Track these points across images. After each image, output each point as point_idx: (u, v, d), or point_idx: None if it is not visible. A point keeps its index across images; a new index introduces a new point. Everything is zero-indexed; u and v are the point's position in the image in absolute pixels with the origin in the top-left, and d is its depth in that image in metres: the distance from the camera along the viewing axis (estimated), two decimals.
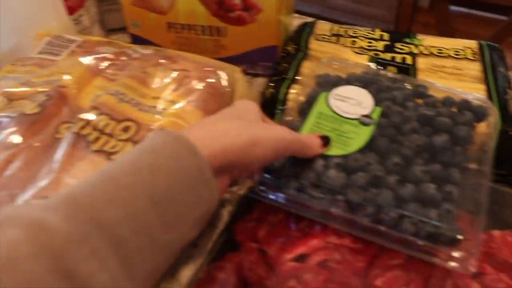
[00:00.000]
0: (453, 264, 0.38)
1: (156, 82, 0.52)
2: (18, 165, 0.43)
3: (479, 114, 0.48)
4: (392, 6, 1.79)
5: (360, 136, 0.45)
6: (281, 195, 0.42)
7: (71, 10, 0.63)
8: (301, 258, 0.41)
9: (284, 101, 0.59)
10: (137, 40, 0.70)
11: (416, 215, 0.39)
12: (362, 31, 0.70)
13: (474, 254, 0.38)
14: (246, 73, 0.63)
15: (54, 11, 0.61)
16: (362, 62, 0.62)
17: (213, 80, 0.52)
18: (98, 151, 0.44)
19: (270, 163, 0.42)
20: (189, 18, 0.65)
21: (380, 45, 0.66)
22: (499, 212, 0.52)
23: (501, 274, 0.46)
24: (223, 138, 0.36)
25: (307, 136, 0.44)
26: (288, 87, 0.60)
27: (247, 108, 0.42)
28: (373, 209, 0.40)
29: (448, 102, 0.49)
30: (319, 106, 0.48)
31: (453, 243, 0.38)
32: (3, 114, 0.47)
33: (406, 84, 0.51)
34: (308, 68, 0.62)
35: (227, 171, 0.37)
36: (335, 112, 0.47)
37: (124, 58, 0.54)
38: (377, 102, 0.48)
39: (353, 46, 0.66)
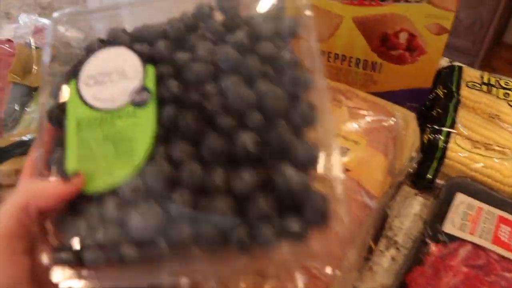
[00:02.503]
0: None
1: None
2: None
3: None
4: (477, 39, 1.75)
5: (143, 128, 0.29)
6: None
7: None
8: None
9: (444, 150, 0.57)
10: None
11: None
12: None
13: None
14: None
15: None
16: None
17: (390, 123, 0.51)
18: None
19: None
20: (346, 50, 0.64)
21: None
22: None
23: None
24: None
25: (32, 182, 0.30)
26: (448, 136, 0.58)
27: None
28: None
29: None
30: (72, 109, 0.31)
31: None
32: None
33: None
34: (464, 118, 0.61)
35: None
36: (96, 109, 0.31)
37: None
38: (145, 58, 0.32)
39: (506, 98, 0.65)
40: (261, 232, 0.27)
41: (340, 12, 0.60)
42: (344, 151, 0.47)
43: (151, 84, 0.30)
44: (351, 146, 0.48)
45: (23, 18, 0.69)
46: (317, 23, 0.63)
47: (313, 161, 0.29)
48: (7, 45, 0.66)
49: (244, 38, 0.31)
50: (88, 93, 0.31)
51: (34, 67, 0.63)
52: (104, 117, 0.30)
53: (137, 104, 0.30)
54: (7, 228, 0.27)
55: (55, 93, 0.32)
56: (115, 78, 0.31)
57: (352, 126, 0.50)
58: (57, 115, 0.31)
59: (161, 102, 0.30)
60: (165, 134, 0.29)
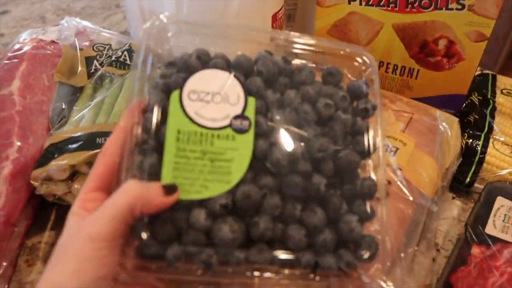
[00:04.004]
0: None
1: None
2: None
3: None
4: (493, 53, 1.77)
5: (241, 153, 0.33)
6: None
7: None
8: None
9: (482, 155, 0.58)
10: None
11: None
12: None
13: None
14: None
15: None
16: None
17: (435, 126, 0.52)
18: None
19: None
20: (384, 56, 0.65)
21: None
22: None
23: None
24: None
25: (138, 187, 0.31)
26: (486, 141, 0.59)
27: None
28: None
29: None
30: (174, 119, 0.33)
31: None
32: None
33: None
34: (501, 124, 0.62)
35: None
36: (197, 124, 0.33)
37: None
38: (247, 90, 0.35)
39: None
40: (326, 260, 0.32)
41: (381, 19, 0.62)
42: (393, 151, 0.48)
43: (251, 115, 0.34)
44: (400, 146, 0.49)
45: (66, 21, 0.71)
46: (358, 28, 0.65)
47: (369, 218, 0.35)
48: (52, 46, 0.67)
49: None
50: (190, 107, 0.33)
51: (80, 67, 0.64)
52: (204, 134, 0.32)
53: (237, 130, 0.33)
54: (113, 226, 0.29)
55: (156, 98, 0.34)
56: (218, 100, 0.33)
57: (399, 127, 0.51)
58: (159, 124, 0.33)
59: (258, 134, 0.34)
60: (255, 163, 0.33)
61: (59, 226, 0.57)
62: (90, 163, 0.50)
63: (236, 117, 0.33)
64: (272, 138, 0.34)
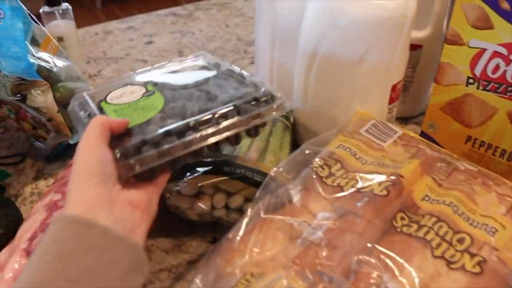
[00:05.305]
0: None
1: (482, 201, 0.55)
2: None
3: None
4: None
5: (157, 100, 0.55)
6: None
7: (391, 100, 0.69)
8: None
9: None
10: (424, 138, 0.74)
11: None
12: None
13: None
14: None
15: (382, 98, 0.68)
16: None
17: None
18: (439, 257, 0.48)
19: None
20: (494, 139, 0.68)
21: None
22: None
23: None
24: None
25: (102, 115, 0.53)
26: None
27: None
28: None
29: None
30: (108, 108, 0.55)
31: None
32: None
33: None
34: None
35: None
36: (123, 103, 0.55)
37: (450, 168, 0.59)
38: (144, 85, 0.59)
39: None
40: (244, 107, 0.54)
41: (496, 104, 0.65)
42: (493, 231, 0.51)
43: (152, 89, 0.58)
44: (499, 228, 0.51)
45: (202, 55, 0.82)
46: (472, 110, 0.68)
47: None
48: None
49: None
50: (114, 101, 0.56)
51: None
52: (128, 106, 0.55)
53: (148, 95, 0.57)
54: (96, 130, 0.46)
55: (94, 108, 0.56)
56: (128, 94, 0.58)
57: (501, 209, 0.54)
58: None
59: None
60: (167, 103, 0.55)
61: (171, 234, 0.65)
62: (214, 186, 0.58)
63: (144, 93, 0.57)
64: (175, 94, 0.57)
